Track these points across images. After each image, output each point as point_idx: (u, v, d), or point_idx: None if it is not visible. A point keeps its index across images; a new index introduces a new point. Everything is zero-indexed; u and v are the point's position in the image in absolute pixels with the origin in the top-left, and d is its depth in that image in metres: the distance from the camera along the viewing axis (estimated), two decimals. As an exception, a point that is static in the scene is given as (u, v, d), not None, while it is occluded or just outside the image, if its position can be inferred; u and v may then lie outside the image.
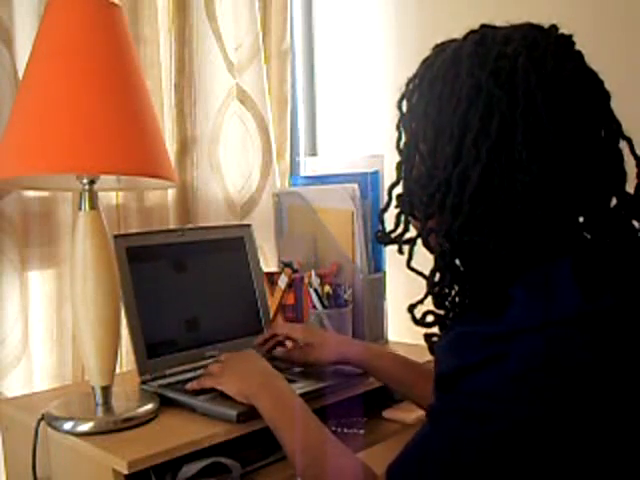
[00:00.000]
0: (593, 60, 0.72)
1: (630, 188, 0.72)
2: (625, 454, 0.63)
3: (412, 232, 0.78)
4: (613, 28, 1.27)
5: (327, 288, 1.28)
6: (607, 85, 0.71)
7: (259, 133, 1.59)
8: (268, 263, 1.57)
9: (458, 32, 0.76)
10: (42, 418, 0.95)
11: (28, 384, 1.19)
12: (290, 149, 1.72)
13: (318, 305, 1.26)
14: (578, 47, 0.72)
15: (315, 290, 1.27)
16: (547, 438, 0.61)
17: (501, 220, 0.68)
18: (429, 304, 0.76)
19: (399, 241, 0.78)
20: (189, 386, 1.00)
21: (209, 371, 1.01)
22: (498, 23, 0.74)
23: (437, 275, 0.73)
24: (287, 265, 1.37)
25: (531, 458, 0.61)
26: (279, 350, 1.15)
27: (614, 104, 0.71)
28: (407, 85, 0.77)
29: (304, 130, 1.83)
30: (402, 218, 0.78)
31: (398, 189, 0.78)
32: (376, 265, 1.41)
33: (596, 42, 0.88)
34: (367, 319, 1.36)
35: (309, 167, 1.66)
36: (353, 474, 0.76)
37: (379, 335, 1.40)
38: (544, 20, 0.74)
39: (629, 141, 0.72)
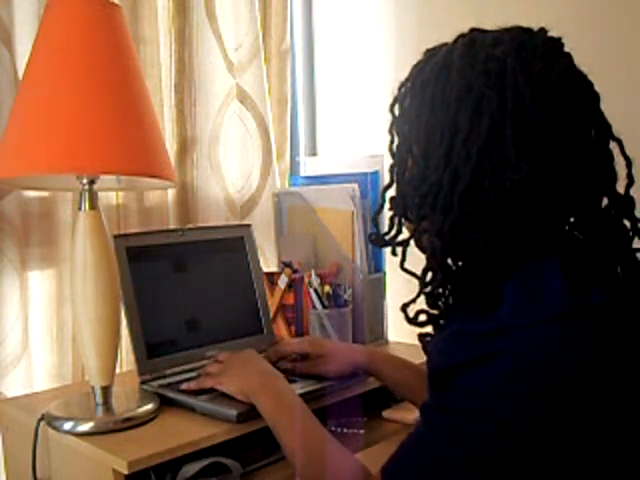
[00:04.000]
0: (584, 62, 0.73)
1: (620, 188, 0.72)
2: (619, 452, 0.63)
3: (406, 234, 0.79)
4: (605, 30, 1.27)
5: (327, 288, 1.28)
6: (597, 86, 0.72)
7: (259, 133, 1.59)
8: (268, 263, 1.57)
9: (459, 32, 0.76)
10: (42, 418, 0.95)
11: (28, 384, 1.19)
12: (290, 149, 1.72)
13: (318, 305, 1.26)
14: (569, 49, 0.73)
15: (315, 290, 1.27)
16: (538, 436, 0.61)
17: (492, 218, 0.68)
18: (423, 303, 0.77)
19: (393, 243, 0.79)
20: (185, 386, 1.00)
21: (208, 371, 1.01)
22: (497, 24, 0.75)
23: (429, 274, 0.74)
24: (287, 265, 1.37)
25: (523, 456, 0.61)
26: (284, 363, 1.09)
27: (605, 105, 0.72)
28: (399, 89, 0.78)
29: (304, 130, 1.83)
30: (395, 220, 0.79)
31: (391, 192, 0.79)
32: (376, 265, 1.41)
33: (587, 44, 0.89)
34: (367, 319, 1.36)
35: (309, 167, 1.66)
36: (351, 474, 0.77)
37: (379, 335, 1.40)
38: (541, 20, 0.75)
39: (619, 142, 0.73)
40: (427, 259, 0.74)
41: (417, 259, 0.77)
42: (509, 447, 0.62)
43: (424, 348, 0.78)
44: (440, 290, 0.75)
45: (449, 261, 0.73)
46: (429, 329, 0.78)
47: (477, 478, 0.63)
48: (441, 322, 0.77)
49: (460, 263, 0.73)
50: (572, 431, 0.61)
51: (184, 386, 1.00)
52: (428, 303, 0.76)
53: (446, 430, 0.65)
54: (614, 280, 0.68)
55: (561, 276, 0.65)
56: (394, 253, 0.80)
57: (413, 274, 0.77)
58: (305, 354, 1.09)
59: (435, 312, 0.77)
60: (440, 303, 0.76)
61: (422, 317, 0.77)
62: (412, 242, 0.77)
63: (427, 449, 0.66)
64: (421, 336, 0.79)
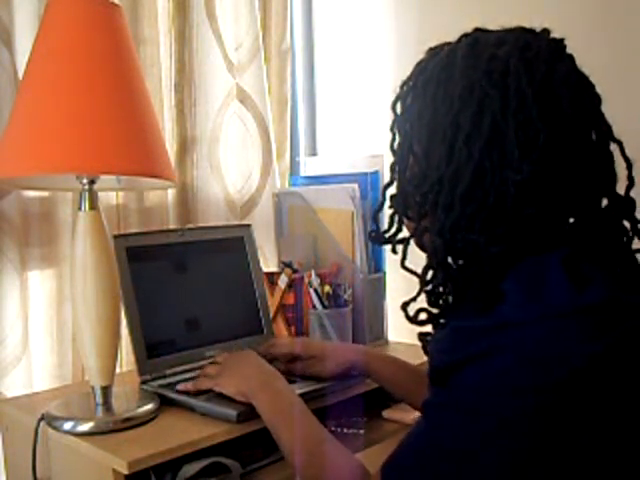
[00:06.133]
0: (585, 63, 0.73)
1: (620, 190, 0.73)
2: (619, 453, 0.63)
3: (405, 232, 0.79)
4: (605, 32, 1.27)
5: (327, 288, 1.28)
6: (598, 89, 0.73)
7: (259, 133, 1.59)
8: (268, 263, 1.57)
9: (459, 32, 0.76)
10: (42, 418, 0.95)
11: (28, 384, 1.19)
12: (290, 149, 1.72)
13: (318, 305, 1.26)
14: (570, 50, 0.73)
15: (315, 290, 1.27)
16: (540, 432, 0.61)
17: (492, 218, 0.68)
18: (424, 302, 0.77)
19: (392, 241, 0.79)
20: (182, 387, 0.99)
21: (206, 372, 1.01)
22: (498, 24, 0.75)
23: (429, 273, 0.74)
24: (287, 265, 1.37)
25: (524, 452, 0.61)
26: (278, 365, 1.07)
27: (605, 107, 0.72)
28: (401, 87, 0.78)
29: (304, 130, 1.83)
30: (396, 218, 0.79)
31: (392, 190, 0.79)
32: (376, 265, 1.41)
33: (589, 46, 0.89)
34: (367, 319, 1.36)
35: (309, 167, 1.66)
36: (351, 473, 0.77)
37: (379, 335, 1.40)
38: (541, 21, 0.75)
39: (619, 143, 0.73)
40: (428, 257, 0.74)
41: (417, 258, 0.77)
42: (507, 443, 0.61)
43: (424, 347, 0.79)
44: (441, 289, 0.76)
45: (450, 260, 0.73)
46: (429, 328, 0.78)
47: (479, 475, 0.63)
48: (441, 321, 0.77)
49: (461, 262, 0.73)
50: (577, 428, 0.60)
51: (180, 387, 1.00)
52: (429, 301, 0.76)
53: (447, 427, 0.65)
54: (615, 277, 0.68)
55: (563, 272, 0.65)
56: (394, 251, 0.80)
57: (413, 272, 0.77)
58: (296, 356, 1.08)
59: (435, 311, 0.77)
60: (440, 301, 0.77)
61: (422, 316, 0.77)
62: (411, 240, 0.77)
63: (428, 446, 0.66)
64: (421, 335, 0.79)
